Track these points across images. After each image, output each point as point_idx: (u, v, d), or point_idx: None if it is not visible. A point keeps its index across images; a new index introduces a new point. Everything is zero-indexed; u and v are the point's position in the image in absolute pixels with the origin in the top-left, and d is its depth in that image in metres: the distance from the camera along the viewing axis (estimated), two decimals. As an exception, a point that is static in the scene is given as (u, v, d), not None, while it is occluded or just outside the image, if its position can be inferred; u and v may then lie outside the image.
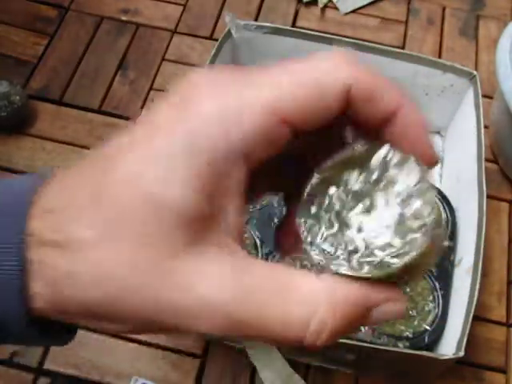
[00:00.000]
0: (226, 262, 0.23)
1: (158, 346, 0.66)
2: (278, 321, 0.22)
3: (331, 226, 0.24)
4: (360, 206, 0.24)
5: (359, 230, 0.24)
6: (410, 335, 0.61)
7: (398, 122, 0.25)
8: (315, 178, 0.25)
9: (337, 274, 0.23)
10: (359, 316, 0.23)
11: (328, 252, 0.24)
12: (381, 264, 0.23)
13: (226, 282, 0.22)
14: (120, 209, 0.22)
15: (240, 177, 0.23)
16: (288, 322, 0.23)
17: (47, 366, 0.64)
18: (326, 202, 0.25)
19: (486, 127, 0.69)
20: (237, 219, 0.23)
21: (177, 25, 0.89)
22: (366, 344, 0.58)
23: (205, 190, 0.22)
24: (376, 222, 0.23)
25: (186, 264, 0.22)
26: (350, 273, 0.23)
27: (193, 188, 0.22)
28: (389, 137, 0.25)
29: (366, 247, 0.23)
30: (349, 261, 0.23)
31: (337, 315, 0.23)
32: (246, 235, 0.66)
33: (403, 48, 0.89)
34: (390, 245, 0.23)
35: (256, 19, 0.91)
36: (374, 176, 0.24)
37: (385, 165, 0.24)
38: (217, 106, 0.23)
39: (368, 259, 0.23)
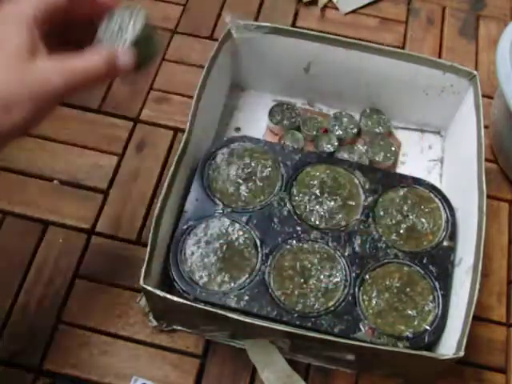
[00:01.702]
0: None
1: (158, 346, 0.66)
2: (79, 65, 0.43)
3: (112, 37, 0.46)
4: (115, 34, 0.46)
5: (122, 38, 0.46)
6: (410, 335, 0.61)
7: None
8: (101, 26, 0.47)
9: None
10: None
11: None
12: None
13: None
14: None
15: (34, 25, 0.42)
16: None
17: (47, 366, 0.64)
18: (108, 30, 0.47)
19: (486, 127, 0.69)
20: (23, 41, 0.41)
21: (177, 25, 0.89)
22: (366, 344, 0.58)
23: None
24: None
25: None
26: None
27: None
28: None
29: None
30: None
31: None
32: (246, 235, 0.66)
33: (403, 48, 0.89)
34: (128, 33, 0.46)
35: (256, 19, 0.91)
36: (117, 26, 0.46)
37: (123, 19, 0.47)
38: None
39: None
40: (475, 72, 0.71)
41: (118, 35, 0.46)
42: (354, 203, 0.69)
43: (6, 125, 0.39)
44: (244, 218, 0.67)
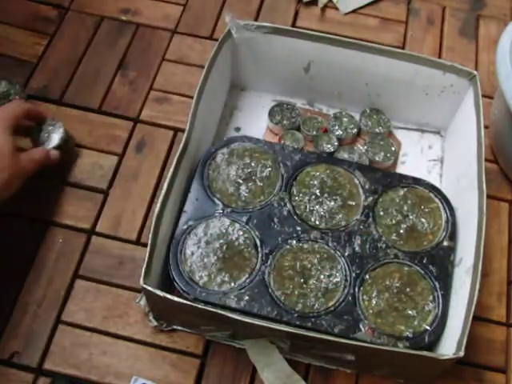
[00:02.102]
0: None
1: (158, 346, 0.66)
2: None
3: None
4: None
5: None
6: (410, 335, 0.61)
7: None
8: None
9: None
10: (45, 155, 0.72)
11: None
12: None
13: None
14: None
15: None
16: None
17: (47, 366, 0.64)
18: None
19: (486, 127, 0.69)
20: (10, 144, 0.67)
21: (177, 25, 0.89)
22: (366, 344, 0.58)
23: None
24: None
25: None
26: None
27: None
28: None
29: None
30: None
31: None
32: (246, 235, 0.66)
33: (403, 48, 0.89)
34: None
35: (256, 19, 0.91)
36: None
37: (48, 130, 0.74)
38: None
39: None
40: (475, 72, 0.71)
41: (48, 140, 0.73)
42: (354, 203, 0.69)
43: (6, 195, 0.65)
44: (244, 218, 0.67)
